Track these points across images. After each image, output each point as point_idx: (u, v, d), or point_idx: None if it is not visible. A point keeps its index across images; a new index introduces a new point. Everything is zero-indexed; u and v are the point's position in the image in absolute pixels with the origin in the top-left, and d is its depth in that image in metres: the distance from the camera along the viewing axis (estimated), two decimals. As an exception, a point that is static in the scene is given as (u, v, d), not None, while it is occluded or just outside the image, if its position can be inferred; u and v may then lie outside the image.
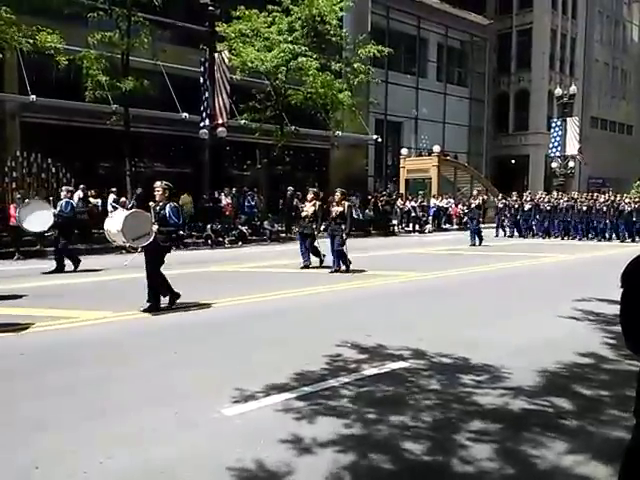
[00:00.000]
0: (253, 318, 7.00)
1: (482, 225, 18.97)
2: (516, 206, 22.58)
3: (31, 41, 14.23)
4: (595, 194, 22.88)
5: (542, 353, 5.42)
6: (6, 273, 11.01)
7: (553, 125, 28.43)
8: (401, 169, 27.33)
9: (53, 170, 16.83)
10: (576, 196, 22.80)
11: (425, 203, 24.67)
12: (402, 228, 23.88)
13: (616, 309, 2.31)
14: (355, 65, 21.16)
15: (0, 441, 3.52)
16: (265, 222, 19.89)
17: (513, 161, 37.47)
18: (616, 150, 40.35)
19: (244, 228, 18.94)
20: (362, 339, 5.80)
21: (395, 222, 22.94)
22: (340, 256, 11.17)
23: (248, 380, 4.52)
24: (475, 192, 21.41)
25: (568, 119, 27.43)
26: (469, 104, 35.36)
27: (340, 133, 23.95)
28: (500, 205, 23.10)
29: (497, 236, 21.84)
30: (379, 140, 27.32)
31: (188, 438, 3.58)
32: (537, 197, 23.37)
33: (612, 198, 21.49)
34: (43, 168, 16.71)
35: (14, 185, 15.96)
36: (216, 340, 6.01)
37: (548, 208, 21.74)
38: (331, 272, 10.98)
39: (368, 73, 21.70)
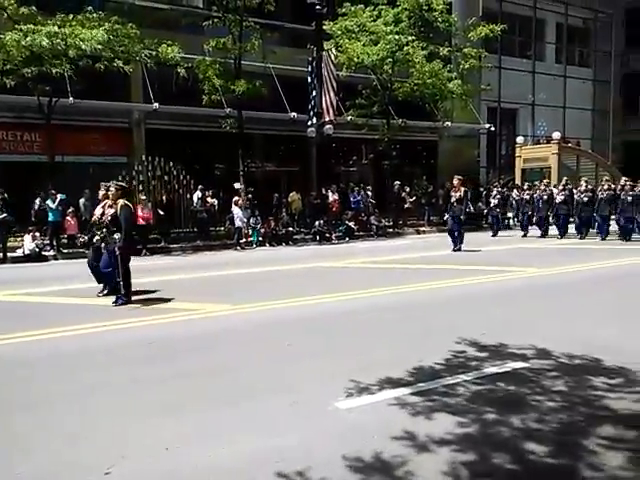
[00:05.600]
0: (366, 311, 6.97)
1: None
2: (545, 198, 17.75)
3: (154, 53, 15.32)
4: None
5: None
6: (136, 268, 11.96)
7: (693, 103, 25.41)
8: (517, 158, 25.91)
9: (174, 173, 18.04)
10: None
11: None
12: (518, 221, 22.57)
13: None
14: (465, 50, 20.40)
15: (133, 422, 3.79)
16: (372, 217, 19.83)
17: (645, 145, 34.07)
18: None
19: (351, 224, 19.03)
20: (480, 337, 5.55)
21: (510, 215, 21.73)
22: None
23: (363, 373, 4.49)
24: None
25: None
26: (593, 86, 32.73)
27: (450, 124, 23.25)
28: (526, 196, 18.77)
29: (525, 235, 17.96)
30: (492, 129, 26.14)
31: (303, 428, 3.63)
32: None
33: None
34: (166, 171, 17.96)
35: (140, 187, 17.32)
36: (330, 333, 6.05)
37: (585, 200, 16.76)
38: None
39: (480, 58, 20.82)
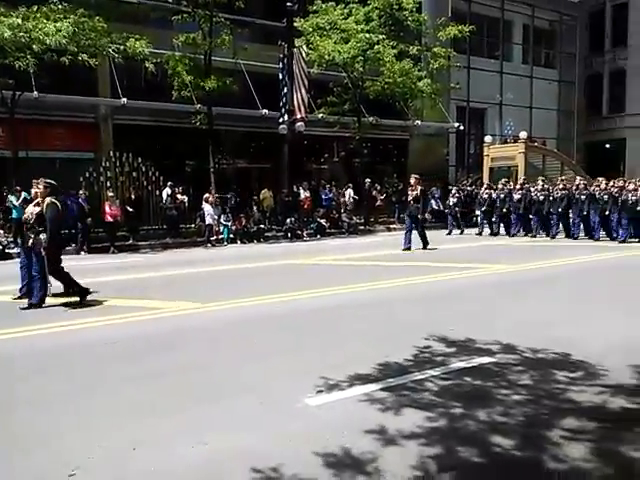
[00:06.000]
0: (335, 309, 7.00)
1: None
2: (502, 196, 17.83)
3: (121, 48, 15.02)
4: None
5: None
6: (104, 266, 11.76)
7: (654, 105, 26.24)
8: (484, 157, 26.34)
9: (143, 169, 17.77)
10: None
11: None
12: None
13: None
14: (435, 49, 20.65)
15: (99, 423, 3.73)
16: (343, 215, 19.91)
17: (608, 145, 35.03)
18: None
19: (322, 221, 19.07)
20: (448, 333, 5.64)
21: (478, 212, 22.10)
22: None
23: (333, 370, 4.52)
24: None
25: (671, 98, 25.18)
26: (558, 87, 33.46)
27: (420, 122, 23.47)
28: (485, 195, 18.75)
29: (480, 234, 18.05)
30: (461, 128, 26.50)
31: (273, 425, 3.63)
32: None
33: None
34: (134, 167, 17.68)
35: (108, 184, 17.00)
36: (300, 330, 6.06)
37: (541, 198, 16.98)
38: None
39: (449, 57, 21.09)
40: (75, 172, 16.57)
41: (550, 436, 3.39)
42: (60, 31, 13.30)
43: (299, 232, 18.10)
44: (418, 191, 13.72)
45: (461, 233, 18.52)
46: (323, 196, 20.40)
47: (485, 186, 20.05)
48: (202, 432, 3.51)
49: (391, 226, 21.04)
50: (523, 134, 25.57)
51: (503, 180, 19.92)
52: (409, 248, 13.46)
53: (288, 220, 18.06)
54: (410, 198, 13.88)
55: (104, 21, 14.54)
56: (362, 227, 20.28)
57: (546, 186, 17.56)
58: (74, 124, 17.69)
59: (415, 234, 13.64)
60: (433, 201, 19.79)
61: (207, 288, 8.81)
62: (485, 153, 26.10)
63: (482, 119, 30.53)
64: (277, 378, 4.50)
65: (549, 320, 6.22)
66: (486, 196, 18.78)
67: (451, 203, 19.48)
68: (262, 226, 18.14)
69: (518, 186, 18.30)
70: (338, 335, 5.82)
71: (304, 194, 19.53)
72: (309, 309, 7.08)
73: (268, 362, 4.93)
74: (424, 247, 13.61)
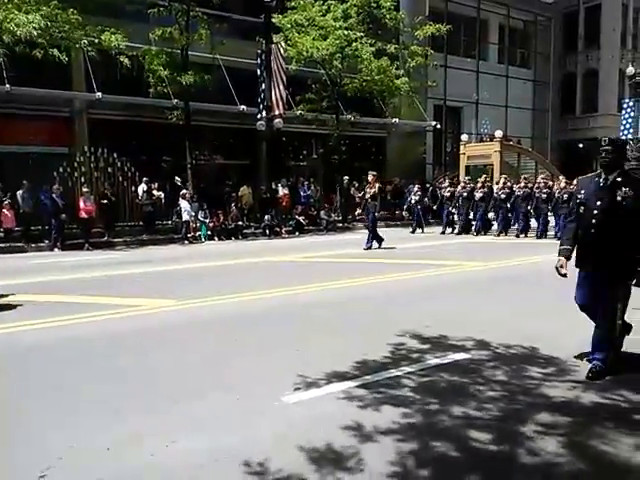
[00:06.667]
0: (311, 306, 7.01)
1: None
2: (465, 195, 17.96)
3: (96, 41, 14.76)
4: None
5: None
6: (79, 263, 11.57)
7: (624, 106, 26.78)
8: (461, 156, 26.60)
9: (118, 164, 17.51)
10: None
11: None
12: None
13: None
14: (412, 47, 20.78)
15: (71, 423, 3.67)
16: (321, 212, 19.93)
17: (581, 145, 35.69)
18: (695, 130, 37.60)
19: (301, 218, 19.06)
20: (424, 330, 5.69)
21: (454, 210, 22.30)
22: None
23: (310, 368, 4.52)
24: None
25: (642, 99, 25.76)
26: (533, 86, 33.98)
27: (397, 120, 23.60)
28: (447, 193, 18.81)
29: (444, 233, 18.07)
30: (438, 126, 26.73)
31: (251, 424, 3.62)
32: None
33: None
34: (109, 162, 17.41)
35: (82, 179, 16.71)
36: (276, 328, 6.05)
37: (503, 197, 17.02)
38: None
39: (426, 56, 21.24)
40: (49, 167, 16.26)
41: (524, 431, 3.45)
42: (32, 22, 13.00)
43: (277, 229, 18.06)
44: (376, 189, 13.66)
45: (421, 231, 18.36)
46: (302, 193, 20.39)
47: (446, 183, 20.05)
48: (176, 432, 3.48)
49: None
50: (499, 133, 25.88)
51: (466, 178, 20.01)
52: (370, 247, 13.28)
53: (266, 217, 18.01)
54: (368, 196, 13.64)
55: (78, 14, 14.27)
56: (340, 224, 20.33)
57: (508, 184, 17.66)
58: (48, 118, 17.36)
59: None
60: (411, 198, 19.84)
61: (182, 285, 8.74)
62: (461, 151, 26.35)
63: (459, 118, 30.82)
64: (254, 376, 4.48)
65: (521, 317, 6.32)
66: (448, 194, 18.76)
67: (412, 201, 19.30)
68: (240, 223, 18.05)
69: (479, 184, 18.37)
70: (314, 333, 5.82)
71: (282, 191, 19.49)
72: (285, 307, 7.07)
73: (245, 361, 4.90)
74: (379, 246, 13.35)
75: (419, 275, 9.35)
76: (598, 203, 4.27)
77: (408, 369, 4.54)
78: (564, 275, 4.44)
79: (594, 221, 4.28)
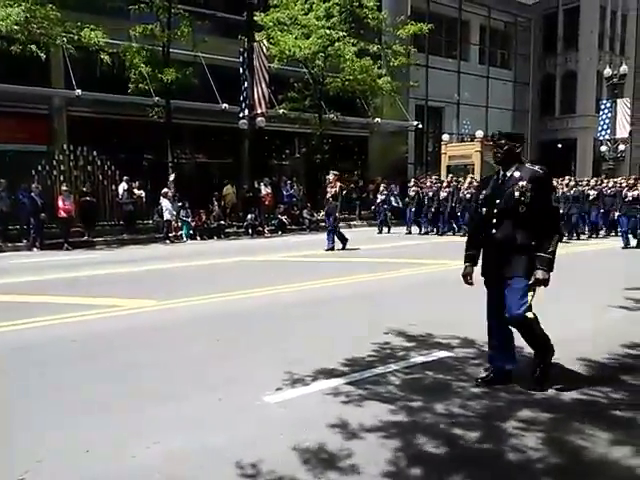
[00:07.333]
0: (294, 306, 7.00)
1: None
2: (430, 194, 17.81)
3: (75, 38, 14.54)
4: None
5: (588, 344, 5.19)
6: (57, 263, 11.39)
7: (602, 107, 27.28)
8: (442, 155, 26.80)
9: (98, 163, 17.28)
10: None
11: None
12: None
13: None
14: (394, 47, 20.88)
15: (51, 425, 3.61)
16: (304, 211, 19.91)
17: (560, 145, 36.21)
18: (671, 132, 38.37)
19: (284, 217, 19.02)
20: (408, 328, 5.71)
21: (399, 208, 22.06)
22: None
23: (295, 366, 4.52)
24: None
25: (618, 100, 26.22)
26: (513, 87, 34.36)
27: (379, 120, 23.68)
28: (412, 193, 18.59)
29: (409, 233, 17.95)
30: (419, 126, 26.89)
31: (236, 423, 3.60)
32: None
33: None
34: (89, 161, 17.17)
35: (62, 178, 16.46)
36: (259, 327, 6.02)
37: (468, 197, 16.27)
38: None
39: (408, 55, 21.36)
40: (27, 166, 16.00)
41: (506, 427, 3.48)
42: (10, 16, 12.77)
43: (260, 228, 18.00)
44: (337, 188, 13.34)
45: (388, 231, 18.24)
46: (284, 192, 20.34)
47: (412, 183, 19.82)
48: (157, 432, 3.44)
49: (352, 223, 21.17)
50: (479, 133, 26.11)
51: (434, 178, 20.08)
52: (332, 248, 12.83)
53: (249, 216, 17.93)
54: (329, 195, 13.27)
55: (58, 9, 14.05)
56: (323, 223, 20.31)
57: (475, 184, 17.66)
58: (25, 115, 17.02)
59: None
60: (392, 198, 19.87)
61: (163, 285, 8.66)
62: (443, 151, 26.54)
63: (440, 118, 31.02)
64: (237, 376, 4.45)
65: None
66: (413, 193, 18.61)
67: (378, 200, 19.10)
68: (222, 222, 17.95)
69: (445, 183, 18.38)
70: (298, 332, 5.82)
71: (265, 190, 19.42)
72: (268, 306, 7.05)
73: (227, 361, 4.87)
74: (343, 247, 12.96)
75: (402, 274, 9.39)
76: (497, 202, 4.01)
77: (394, 367, 4.56)
78: (470, 284, 4.25)
79: (495, 221, 4.01)
